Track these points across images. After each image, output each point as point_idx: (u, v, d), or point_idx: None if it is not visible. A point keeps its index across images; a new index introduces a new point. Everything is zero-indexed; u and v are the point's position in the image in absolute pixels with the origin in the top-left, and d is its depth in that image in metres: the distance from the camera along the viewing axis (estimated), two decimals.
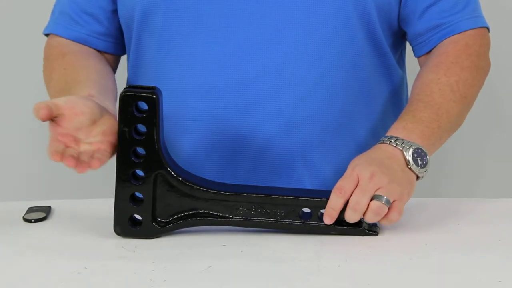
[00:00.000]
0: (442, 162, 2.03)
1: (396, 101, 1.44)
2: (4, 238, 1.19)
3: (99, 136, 1.16)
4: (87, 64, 1.37)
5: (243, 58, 1.30)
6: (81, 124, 1.15)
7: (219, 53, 1.31)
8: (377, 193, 1.16)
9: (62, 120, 1.14)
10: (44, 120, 1.12)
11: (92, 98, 1.20)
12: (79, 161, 1.13)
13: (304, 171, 1.34)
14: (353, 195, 1.16)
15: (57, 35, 1.43)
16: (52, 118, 1.13)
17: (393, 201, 1.16)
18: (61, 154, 1.12)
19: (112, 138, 1.16)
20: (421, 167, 1.21)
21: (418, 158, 1.21)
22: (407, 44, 1.46)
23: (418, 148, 1.22)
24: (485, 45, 1.39)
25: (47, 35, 1.46)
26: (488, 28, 1.40)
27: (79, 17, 1.41)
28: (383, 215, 1.16)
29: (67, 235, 1.19)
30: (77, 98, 1.18)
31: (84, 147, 1.14)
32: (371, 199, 1.15)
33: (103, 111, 1.18)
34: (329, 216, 1.16)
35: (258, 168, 1.33)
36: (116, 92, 1.34)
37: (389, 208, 1.16)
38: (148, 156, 1.15)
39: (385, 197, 1.15)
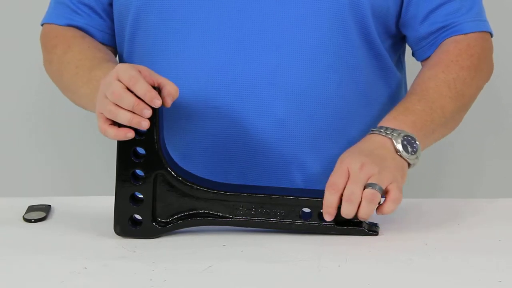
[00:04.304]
0: (442, 162, 2.03)
1: (394, 105, 1.43)
2: (4, 238, 1.19)
3: None
4: (103, 47, 1.40)
5: (237, 58, 1.30)
6: None
7: (213, 53, 1.30)
8: (369, 181, 1.15)
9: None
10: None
11: None
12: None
13: (298, 173, 1.34)
14: (346, 188, 1.15)
15: (56, 24, 1.42)
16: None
17: (389, 184, 1.16)
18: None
19: None
20: (411, 154, 1.21)
21: (408, 145, 1.21)
22: (407, 47, 1.46)
23: (407, 136, 1.21)
24: (488, 49, 1.38)
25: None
26: (491, 34, 1.39)
27: (77, 7, 1.41)
28: (377, 203, 1.15)
29: (67, 235, 1.19)
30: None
31: None
32: (364, 188, 1.15)
33: None
34: (328, 214, 1.16)
35: (251, 169, 1.33)
36: None
37: (387, 191, 1.16)
38: (148, 156, 1.15)
39: (378, 185, 1.15)
